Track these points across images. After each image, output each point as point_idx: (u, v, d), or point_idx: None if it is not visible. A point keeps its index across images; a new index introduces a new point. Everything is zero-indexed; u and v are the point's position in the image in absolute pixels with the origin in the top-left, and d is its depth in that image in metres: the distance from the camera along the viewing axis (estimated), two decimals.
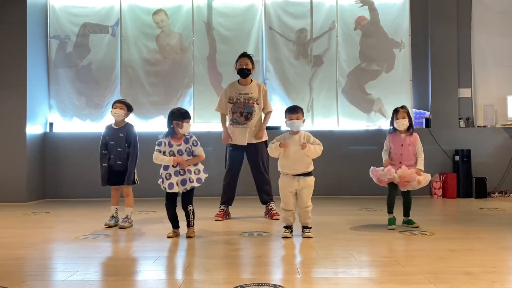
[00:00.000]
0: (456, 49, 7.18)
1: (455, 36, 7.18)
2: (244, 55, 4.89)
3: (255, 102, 4.83)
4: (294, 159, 3.76)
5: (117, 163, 4.41)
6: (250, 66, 4.82)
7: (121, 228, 4.33)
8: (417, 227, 4.18)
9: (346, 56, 7.28)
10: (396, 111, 4.32)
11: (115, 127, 4.47)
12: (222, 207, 4.92)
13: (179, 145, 3.85)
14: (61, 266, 3.05)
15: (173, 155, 3.83)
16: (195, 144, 3.89)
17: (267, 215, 4.91)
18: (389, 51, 7.27)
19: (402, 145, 4.25)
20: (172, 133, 3.88)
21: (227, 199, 4.96)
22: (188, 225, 3.92)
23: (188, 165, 3.82)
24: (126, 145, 4.41)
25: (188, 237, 3.86)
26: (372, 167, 4.36)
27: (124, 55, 7.28)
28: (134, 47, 7.30)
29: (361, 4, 7.32)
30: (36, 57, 6.96)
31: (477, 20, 7.30)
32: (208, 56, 7.30)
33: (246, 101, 4.81)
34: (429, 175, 4.25)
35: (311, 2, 7.30)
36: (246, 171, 5.07)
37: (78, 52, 7.31)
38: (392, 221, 4.24)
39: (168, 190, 3.81)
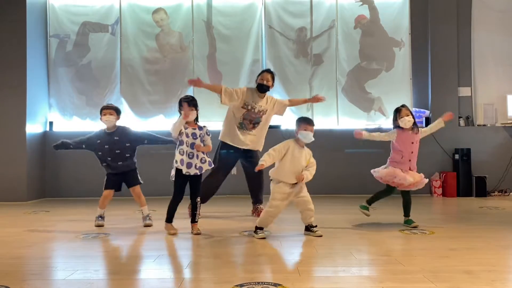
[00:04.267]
0: (456, 48, 7.18)
1: (455, 35, 7.18)
2: (268, 71, 4.93)
3: (264, 114, 4.87)
4: (296, 171, 3.76)
5: (118, 164, 4.42)
6: (270, 83, 4.84)
7: (148, 226, 4.35)
8: (415, 227, 4.17)
9: (346, 55, 7.28)
10: (398, 110, 4.28)
11: (108, 131, 4.50)
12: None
13: (194, 129, 3.97)
14: (61, 265, 3.04)
15: (188, 136, 3.92)
16: (208, 133, 4.03)
17: (254, 214, 4.96)
18: (389, 50, 7.27)
19: (412, 142, 4.22)
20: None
21: (204, 198, 4.77)
22: (193, 221, 3.99)
23: (202, 150, 3.94)
24: (127, 145, 4.44)
25: (196, 234, 3.91)
26: (374, 170, 4.35)
27: (124, 54, 7.27)
28: (134, 46, 7.29)
29: (361, 2, 7.32)
30: (36, 56, 6.96)
31: (477, 18, 7.29)
32: (208, 55, 7.30)
33: (258, 112, 4.85)
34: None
35: (311, 1, 7.30)
36: None
37: (78, 51, 7.30)
38: (364, 207, 4.35)
39: (186, 169, 3.85)
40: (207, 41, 7.30)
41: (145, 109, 7.19)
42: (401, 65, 7.25)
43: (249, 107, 4.82)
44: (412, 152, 4.23)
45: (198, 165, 3.92)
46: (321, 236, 3.76)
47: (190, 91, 7.14)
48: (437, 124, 4.35)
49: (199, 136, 3.96)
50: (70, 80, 7.27)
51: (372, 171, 4.38)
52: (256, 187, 4.98)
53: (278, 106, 4.97)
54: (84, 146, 4.52)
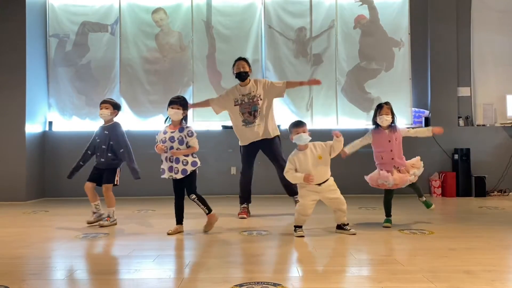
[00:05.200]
0: (456, 48, 7.18)
1: (454, 35, 7.18)
2: (240, 58, 5.02)
3: (258, 99, 4.90)
4: (313, 173, 3.75)
5: (101, 161, 4.45)
6: (247, 69, 4.92)
7: (101, 226, 4.33)
8: (388, 227, 4.15)
9: (345, 55, 7.28)
10: (380, 107, 4.28)
11: (103, 125, 4.55)
12: (244, 205, 4.98)
13: (173, 132, 3.96)
14: (61, 265, 3.04)
15: (164, 141, 3.93)
16: (189, 134, 3.96)
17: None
18: (389, 50, 7.27)
19: (389, 141, 4.20)
20: (170, 120, 4.06)
21: (247, 198, 5.03)
22: (207, 214, 4.00)
23: (179, 155, 3.89)
24: (111, 143, 4.44)
25: (209, 224, 4.00)
26: (366, 177, 4.35)
27: (123, 53, 7.27)
28: (134, 45, 7.29)
29: (361, 2, 7.32)
30: (36, 56, 6.96)
31: (477, 18, 7.29)
32: (207, 55, 7.29)
33: (251, 100, 4.89)
34: (421, 165, 4.26)
35: (311, 1, 7.29)
36: None
37: (77, 51, 7.30)
38: (388, 220, 4.27)
39: (161, 175, 3.97)
40: (207, 41, 7.30)
41: (145, 108, 7.19)
42: (400, 65, 7.25)
43: (239, 101, 4.91)
44: (391, 151, 4.19)
45: (180, 169, 3.90)
46: (354, 234, 3.78)
47: (189, 91, 7.15)
48: (425, 132, 4.32)
49: (177, 139, 3.92)
50: (70, 80, 7.26)
51: (365, 177, 4.37)
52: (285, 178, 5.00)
53: (275, 88, 4.99)
54: (89, 152, 4.54)
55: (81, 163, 4.53)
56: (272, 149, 4.92)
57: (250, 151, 4.97)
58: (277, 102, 7.04)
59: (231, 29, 7.31)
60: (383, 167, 4.21)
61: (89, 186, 4.47)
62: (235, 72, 4.94)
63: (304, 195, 3.83)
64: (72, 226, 4.43)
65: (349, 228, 3.86)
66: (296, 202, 4.90)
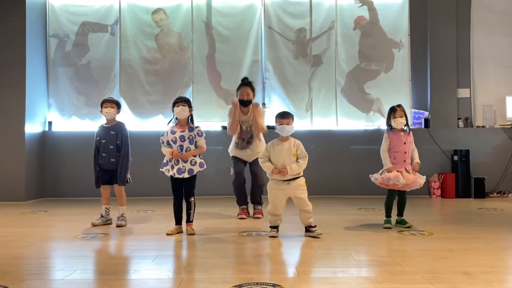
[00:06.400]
0: (455, 49, 7.19)
1: (454, 36, 7.19)
2: (245, 83, 4.88)
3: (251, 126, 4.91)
4: (281, 166, 3.77)
5: (111, 161, 4.45)
6: (251, 97, 4.86)
7: (119, 226, 4.35)
8: (409, 227, 4.18)
9: (345, 56, 7.28)
10: (393, 109, 4.31)
11: (107, 125, 4.53)
12: (244, 206, 4.98)
13: (183, 131, 3.96)
14: (60, 265, 3.04)
15: (175, 141, 3.92)
16: (200, 134, 3.99)
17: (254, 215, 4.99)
18: (388, 51, 7.28)
19: (404, 143, 4.26)
20: (176, 120, 4.04)
21: (244, 199, 5.02)
22: (188, 220, 3.99)
23: (189, 156, 3.91)
24: (118, 143, 4.45)
25: (189, 234, 3.91)
26: (372, 176, 4.36)
27: (123, 54, 7.27)
28: (133, 46, 7.29)
29: (361, 4, 7.32)
30: (35, 56, 6.96)
31: (476, 20, 7.30)
32: (207, 55, 7.29)
33: (248, 128, 4.89)
34: (424, 177, 4.29)
35: (311, 2, 7.30)
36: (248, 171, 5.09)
37: (77, 51, 7.30)
38: (388, 221, 4.29)
39: (165, 173, 3.96)
40: (207, 42, 7.30)
41: (145, 109, 7.19)
42: (400, 66, 7.26)
43: (240, 125, 4.87)
44: (405, 153, 4.26)
45: (188, 168, 3.91)
46: (321, 234, 3.76)
47: (189, 91, 7.15)
48: (415, 157, 4.31)
49: (188, 138, 3.94)
50: (70, 80, 7.26)
51: (370, 176, 4.38)
52: (257, 191, 4.98)
53: (258, 118, 4.83)
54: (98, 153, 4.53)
55: (98, 168, 4.51)
56: (258, 167, 4.74)
57: (241, 162, 4.97)
58: (277, 103, 7.11)
59: (231, 30, 7.31)
60: (394, 167, 4.22)
61: (106, 189, 4.50)
62: (238, 98, 4.85)
63: (272, 192, 3.84)
64: (71, 226, 4.43)
65: (315, 229, 3.81)
66: (255, 209, 4.96)
